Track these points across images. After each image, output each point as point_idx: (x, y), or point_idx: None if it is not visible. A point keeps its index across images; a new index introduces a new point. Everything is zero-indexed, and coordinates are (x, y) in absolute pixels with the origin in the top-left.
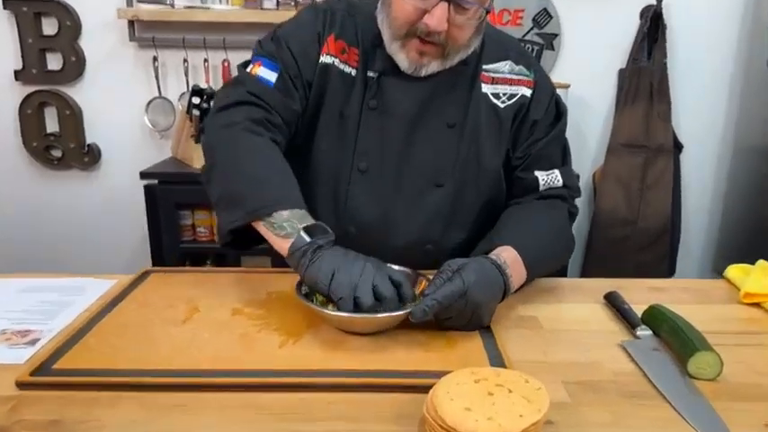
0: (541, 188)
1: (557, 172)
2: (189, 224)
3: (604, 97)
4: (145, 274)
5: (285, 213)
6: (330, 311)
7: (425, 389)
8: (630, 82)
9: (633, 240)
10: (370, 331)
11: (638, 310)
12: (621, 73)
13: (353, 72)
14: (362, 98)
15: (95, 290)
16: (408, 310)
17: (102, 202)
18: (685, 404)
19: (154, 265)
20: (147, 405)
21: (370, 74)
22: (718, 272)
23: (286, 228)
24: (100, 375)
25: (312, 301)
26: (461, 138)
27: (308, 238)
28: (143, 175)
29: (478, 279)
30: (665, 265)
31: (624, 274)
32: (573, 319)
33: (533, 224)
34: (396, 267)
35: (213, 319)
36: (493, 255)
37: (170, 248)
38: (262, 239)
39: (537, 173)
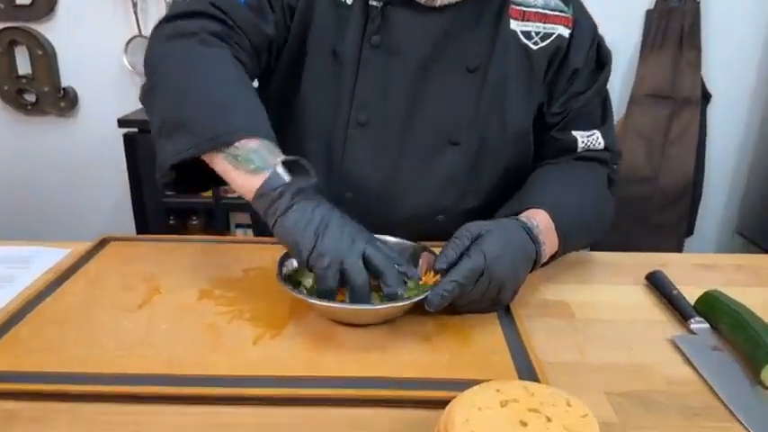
0: (579, 150)
1: (597, 133)
2: None
3: (628, 41)
4: (103, 243)
5: (253, 143)
6: (319, 302)
7: (435, 404)
8: (658, 24)
9: (653, 200)
10: (367, 323)
11: (687, 293)
12: (649, 14)
13: (349, 0)
14: (362, 33)
15: (43, 261)
16: (418, 298)
17: (80, 150)
18: (763, 426)
19: (136, 221)
20: (81, 422)
21: (373, 2)
22: (740, 234)
23: (254, 161)
24: (25, 381)
25: (299, 284)
26: (484, 85)
27: (286, 177)
28: (121, 122)
29: (504, 251)
30: (683, 226)
31: (640, 235)
32: (610, 306)
33: (571, 186)
34: (392, 239)
35: (175, 303)
36: (523, 217)
37: (152, 203)
38: (213, 181)
39: (575, 133)
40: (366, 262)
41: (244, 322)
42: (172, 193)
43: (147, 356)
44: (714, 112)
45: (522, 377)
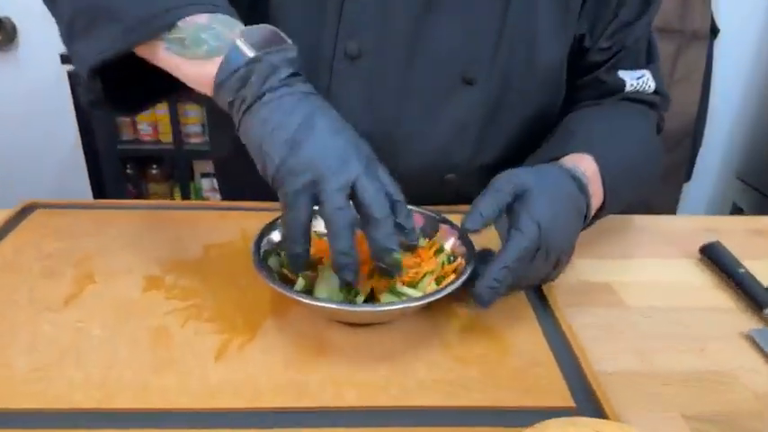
0: (626, 94)
1: (648, 74)
2: (128, 120)
3: None
4: (27, 210)
5: (202, 18)
6: (313, 301)
7: None
8: None
9: None
10: (370, 323)
11: (753, 270)
12: None
13: None
14: None
15: None
16: (449, 289)
17: (21, 91)
18: None
19: (89, 171)
20: None
21: None
22: (741, 179)
23: (206, 41)
24: None
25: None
26: (506, 9)
27: (249, 52)
28: (65, 58)
29: (557, 213)
30: (682, 172)
31: None
32: (663, 288)
33: (620, 130)
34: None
35: (113, 297)
36: (568, 162)
37: (106, 151)
38: (161, 90)
39: (622, 74)
40: (353, 197)
41: (202, 325)
42: (131, 139)
43: (72, 379)
44: (720, 49)
45: (578, 401)
